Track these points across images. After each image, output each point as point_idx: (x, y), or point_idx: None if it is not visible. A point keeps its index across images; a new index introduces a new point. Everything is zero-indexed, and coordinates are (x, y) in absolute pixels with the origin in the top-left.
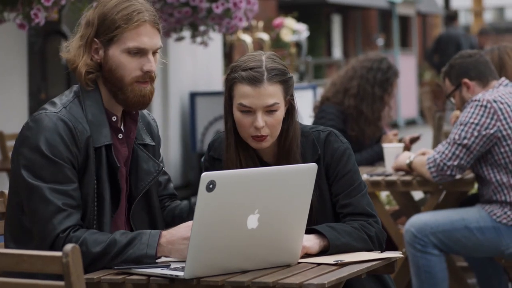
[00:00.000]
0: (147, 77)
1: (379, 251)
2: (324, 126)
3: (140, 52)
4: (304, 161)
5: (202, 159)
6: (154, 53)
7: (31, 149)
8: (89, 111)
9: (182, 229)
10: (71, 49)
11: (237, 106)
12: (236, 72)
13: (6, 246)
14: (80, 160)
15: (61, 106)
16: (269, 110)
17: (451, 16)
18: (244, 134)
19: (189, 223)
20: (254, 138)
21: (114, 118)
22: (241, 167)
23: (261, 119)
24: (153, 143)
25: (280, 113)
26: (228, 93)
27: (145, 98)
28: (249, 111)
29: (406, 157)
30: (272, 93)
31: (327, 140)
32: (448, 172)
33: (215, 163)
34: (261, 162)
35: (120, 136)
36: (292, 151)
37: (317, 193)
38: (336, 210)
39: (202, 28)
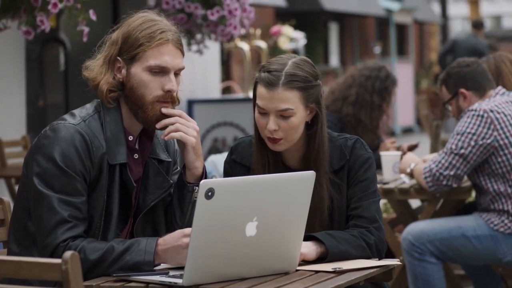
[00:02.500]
0: (168, 96)
1: (377, 259)
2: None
3: (161, 71)
4: (331, 167)
5: (224, 161)
6: (176, 74)
7: (45, 157)
8: (108, 128)
9: (176, 236)
10: (93, 67)
11: (256, 106)
12: (260, 72)
13: (9, 248)
14: (92, 174)
15: (81, 119)
16: (282, 115)
17: (475, 25)
18: (262, 134)
19: (184, 230)
20: (268, 139)
21: (130, 138)
22: (268, 168)
23: (273, 122)
24: (169, 159)
25: (295, 119)
26: (253, 92)
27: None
28: (265, 112)
29: (407, 165)
30: (286, 98)
31: (353, 147)
32: (444, 182)
33: (236, 166)
34: (285, 166)
35: (136, 156)
36: (319, 159)
37: (339, 196)
38: (347, 213)
39: (198, 36)
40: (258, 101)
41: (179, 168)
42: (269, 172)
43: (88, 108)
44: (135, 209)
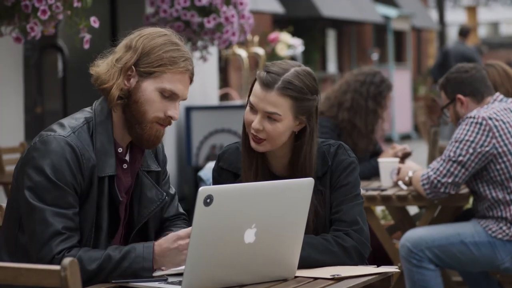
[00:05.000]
0: (167, 121)
1: (364, 262)
2: (335, 140)
3: (170, 97)
4: (315, 173)
5: (212, 169)
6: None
7: (36, 170)
8: (98, 139)
9: (170, 239)
10: (103, 66)
11: (248, 101)
12: (262, 70)
13: (0, 258)
14: (83, 187)
15: (70, 130)
16: (269, 117)
17: (462, 32)
18: (247, 129)
19: (178, 233)
20: (252, 137)
21: (120, 150)
22: (256, 174)
23: (258, 122)
24: (159, 169)
25: (281, 126)
26: (251, 87)
27: (158, 139)
28: (254, 109)
29: (405, 173)
30: (276, 103)
31: (336, 153)
32: (442, 190)
33: (223, 173)
34: (271, 174)
35: (125, 166)
36: (305, 172)
37: (323, 203)
38: (330, 217)
39: (200, 43)
40: (251, 97)
41: (168, 176)
42: (256, 178)
43: (77, 119)
44: (127, 220)
